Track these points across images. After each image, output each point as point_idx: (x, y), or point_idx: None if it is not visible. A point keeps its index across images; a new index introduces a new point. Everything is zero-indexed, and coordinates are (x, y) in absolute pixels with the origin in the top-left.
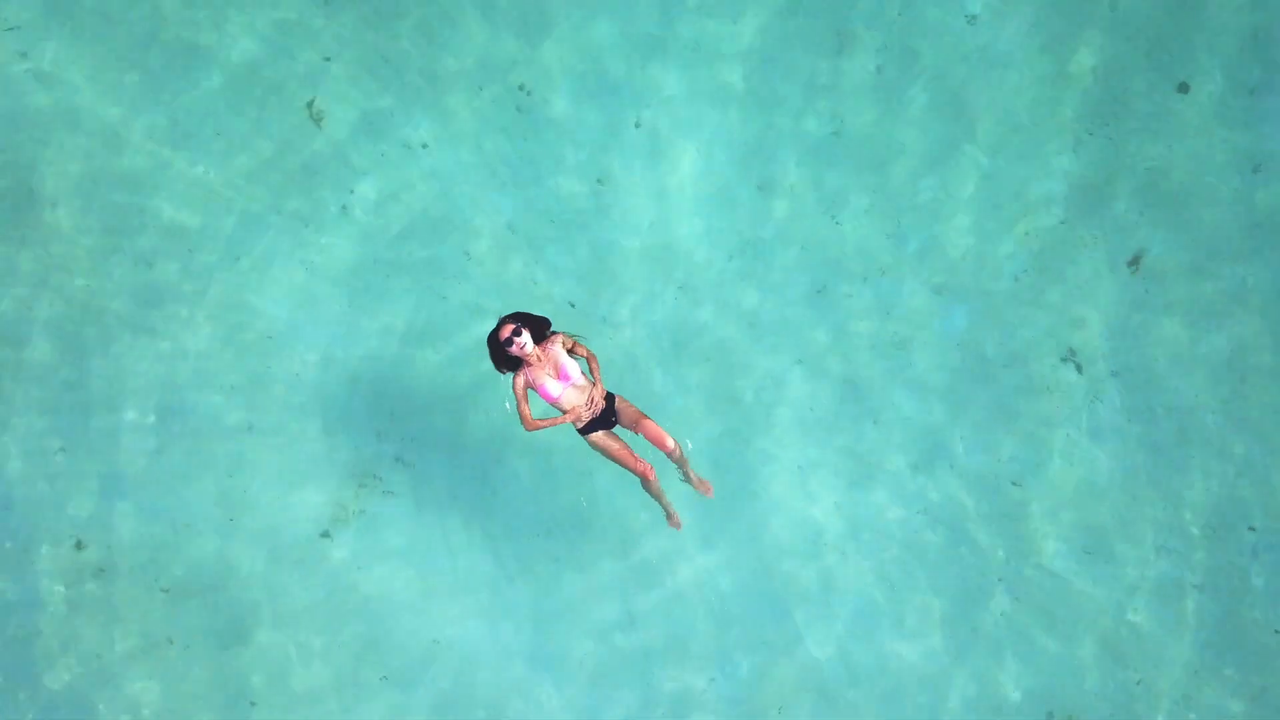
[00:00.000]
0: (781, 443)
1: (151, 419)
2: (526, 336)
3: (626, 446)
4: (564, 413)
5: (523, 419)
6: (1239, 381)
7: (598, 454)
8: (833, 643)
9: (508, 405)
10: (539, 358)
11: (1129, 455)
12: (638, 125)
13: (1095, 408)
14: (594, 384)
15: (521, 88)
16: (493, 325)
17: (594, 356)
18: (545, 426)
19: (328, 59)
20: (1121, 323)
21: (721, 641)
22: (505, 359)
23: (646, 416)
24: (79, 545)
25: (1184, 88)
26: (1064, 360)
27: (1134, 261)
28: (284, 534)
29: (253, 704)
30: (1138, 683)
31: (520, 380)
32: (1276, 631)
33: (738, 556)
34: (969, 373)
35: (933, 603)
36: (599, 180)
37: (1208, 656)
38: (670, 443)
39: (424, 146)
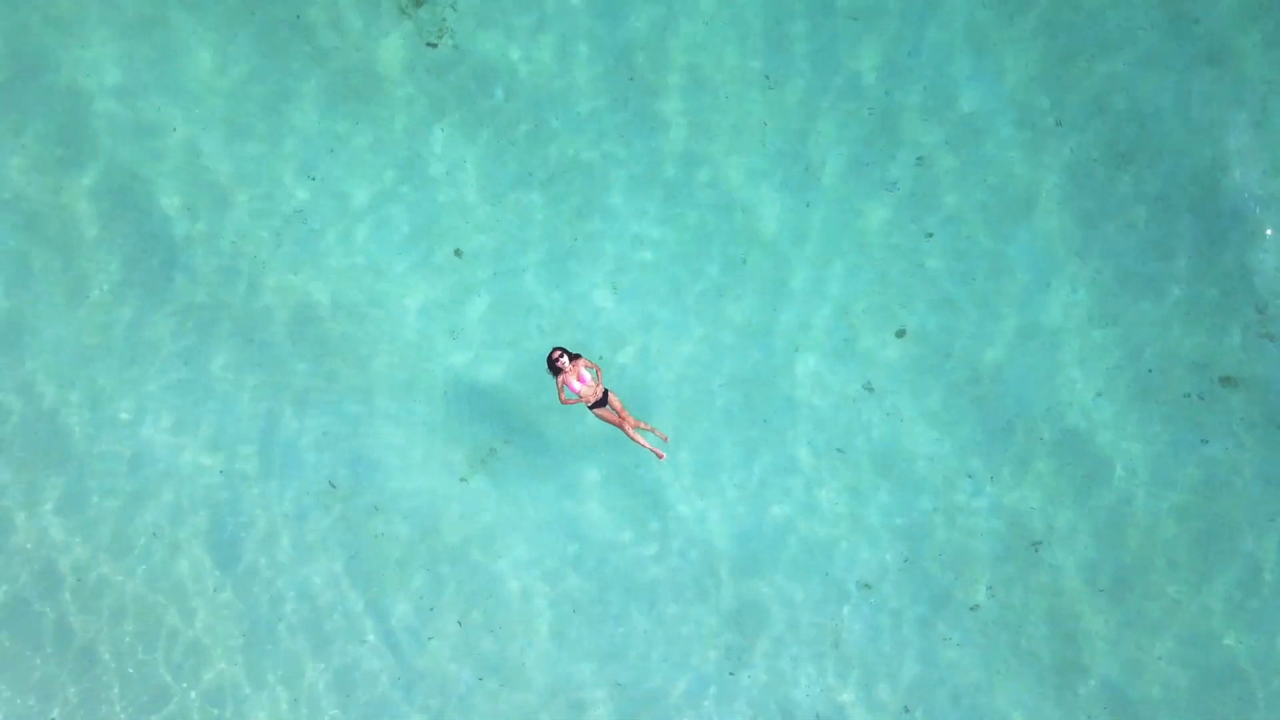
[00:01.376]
0: None
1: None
2: (565, 357)
3: (614, 414)
4: (581, 397)
5: (560, 399)
6: None
7: (597, 420)
8: None
9: (563, 397)
10: (571, 369)
11: None
12: None
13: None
14: (598, 384)
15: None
16: (547, 352)
17: (600, 369)
18: (571, 404)
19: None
20: None
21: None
22: (553, 368)
23: (626, 410)
24: (333, 484)
25: None
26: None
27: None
28: (445, 475)
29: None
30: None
31: (560, 380)
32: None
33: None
34: None
35: None
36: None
37: None
38: (638, 422)
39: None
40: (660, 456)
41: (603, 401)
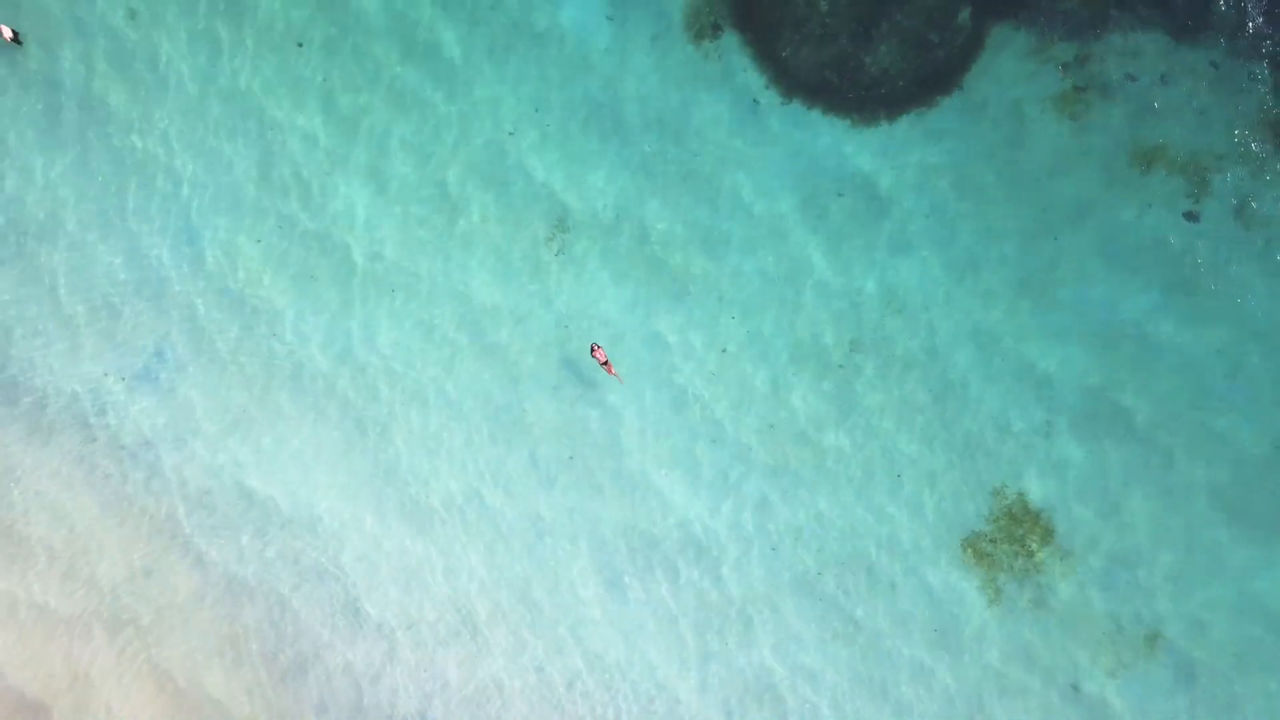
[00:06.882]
0: None
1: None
2: (595, 348)
3: (610, 369)
4: (597, 359)
5: (587, 356)
6: None
7: (602, 371)
8: None
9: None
10: (599, 351)
11: None
12: None
13: None
14: (604, 357)
15: None
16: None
17: (603, 351)
18: (586, 353)
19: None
20: None
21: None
22: (591, 351)
23: (612, 367)
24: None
25: None
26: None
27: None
28: (575, 391)
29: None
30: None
31: (592, 354)
32: None
33: None
34: None
35: None
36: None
37: None
38: (614, 373)
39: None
40: (620, 381)
41: (606, 365)
